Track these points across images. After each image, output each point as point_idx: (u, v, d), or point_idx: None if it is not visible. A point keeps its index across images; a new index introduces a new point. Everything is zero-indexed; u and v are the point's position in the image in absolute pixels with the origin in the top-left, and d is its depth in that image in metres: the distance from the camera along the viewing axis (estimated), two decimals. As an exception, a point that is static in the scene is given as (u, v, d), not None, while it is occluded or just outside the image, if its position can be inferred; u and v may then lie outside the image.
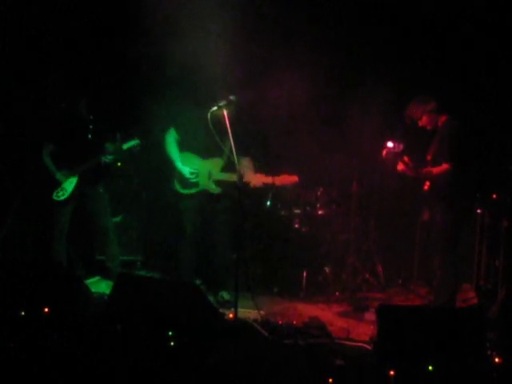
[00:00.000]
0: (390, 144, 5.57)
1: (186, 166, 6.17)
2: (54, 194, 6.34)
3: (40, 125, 6.67)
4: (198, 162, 6.20)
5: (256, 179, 6.36)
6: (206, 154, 6.16)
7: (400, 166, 5.68)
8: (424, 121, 5.68)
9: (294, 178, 6.37)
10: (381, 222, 7.42)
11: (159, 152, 7.28)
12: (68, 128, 6.45)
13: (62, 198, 6.37)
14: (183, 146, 6.24)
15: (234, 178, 5.97)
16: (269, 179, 6.39)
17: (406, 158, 5.61)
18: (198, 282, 6.34)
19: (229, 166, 6.09)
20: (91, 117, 6.49)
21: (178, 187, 6.23)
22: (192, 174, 6.14)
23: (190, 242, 6.30)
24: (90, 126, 6.47)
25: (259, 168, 6.46)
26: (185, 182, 6.17)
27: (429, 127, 5.70)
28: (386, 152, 5.64)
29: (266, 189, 6.67)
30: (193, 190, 6.19)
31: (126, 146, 6.48)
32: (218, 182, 6.17)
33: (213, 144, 5.75)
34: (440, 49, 6.71)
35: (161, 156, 7.19)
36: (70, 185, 6.38)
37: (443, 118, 5.66)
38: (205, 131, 5.67)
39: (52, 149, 6.41)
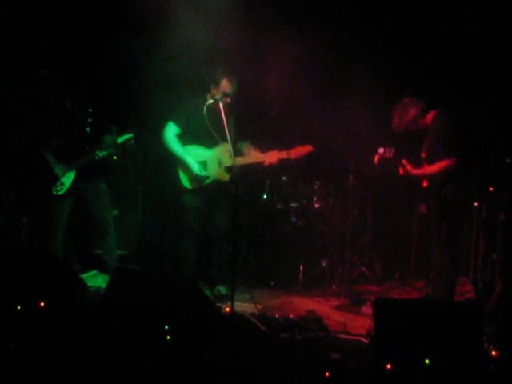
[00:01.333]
0: (380, 150, 5.55)
1: (193, 159, 6.03)
2: (54, 189, 6.37)
3: (40, 122, 6.66)
4: (204, 152, 6.05)
5: (270, 157, 6.01)
6: (210, 143, 5.92)
7: (401, 171, 5.65)
8: (413, 127, 5.63)
9: (309, 148, 6.00)
10: (377, 215, 7.41)
11: (156, 146, 7.31)
12: (64, 123, 6.46)
13: (61, 192, 6.40)
14: (185, 139, 6.09)
15: (247, 160, 6.00)
16: (283, 154, 5.98)
17: (404, 162, 5.58)
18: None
19: (238, 150, 6.01)
20: (90, 110, 6.49)
21: (186, 184, 6.10)
22: (201, 171, 5.98)
23: (192, 238, 6.20)
24: (89, 120, 6.48)
25: (262, 147, 6.21)
26: (194, 177, 6.02)
27: (419, 128, 5.66)
28: (378, 158, 5.60)
29: (282, 165, 6.26)
30: (203, 184, 6.05)
31: (120, 140, 6.43)
32: (229, 169, 5.94)
33: (216, 129, 5.66)
34: (432, 42, 6.67)
35: (157, 149, 7.19)
36: (67, 179, 6.41)
37: (431, 114, 5.61)
38: (204, 119, 5.58)
39: (54, 145, 6.45)
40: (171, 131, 6.09)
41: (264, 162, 6.05)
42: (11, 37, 6.84)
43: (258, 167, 6.21)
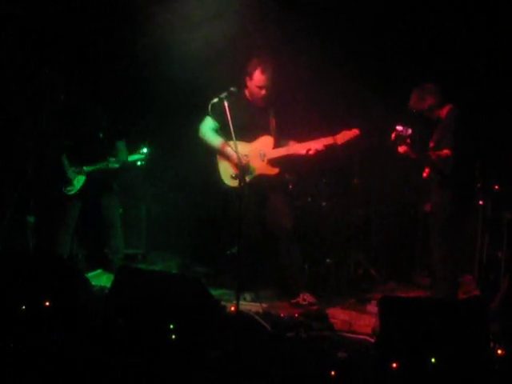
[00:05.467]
0: (399, 127, 5.47)
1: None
2: (64, 188, 6.39)
3: (49, 122, 6.69)
4: (245, 146, 5.73)
5: (315, 143, 5.66)
6: (250, 136, 5.76)
7: (402, 148, 5.61)
8: (426, 113, 5.66)
9: (355, 132, 5.67)
10: (383, 214, 7.39)
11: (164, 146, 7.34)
12: (80, 126, 6.49)
13: (71, 193, 6.46)
14: (223, 135, 5.70)
15: (292, 149, 5.76)
16: (329, 140, 5.63)
17: (408, 140, 5.55)
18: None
19: (280, 141, 5.83)
20: (106, 117, 6.54)
21: (226, 181, 5.83)
22: (245, 155, 5.61)
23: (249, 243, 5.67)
24: (104, 125, 6.51)
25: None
26: (238, 167, 5.41)
27: (432, 117, 5.67)
28: (395, 135, 5.54)
29: (329, 151, 5.78)
30: (247, 177, 5.52)
31: (131, 159, 6.61)
32: (273, 162, 5.82)
33: (255, 123, 5.60)
34: (446, 36, 6.66)
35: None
36: (77, 183, 6.47)
37: (446, 108, 5.63)
38: (242, 113, 5.47)
39: (67, 146, 6.47)
40: (208, 126, 5.86)
41: (310, 150, 5.70)
42: (21, 37, 6.87)
43: (303, 158, 5.83)
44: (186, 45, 6.76)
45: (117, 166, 6.49)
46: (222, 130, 5.58)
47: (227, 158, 5.84)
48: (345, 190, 7.06)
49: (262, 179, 5.85)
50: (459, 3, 6.56)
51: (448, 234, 5.60)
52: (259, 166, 5.84)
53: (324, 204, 6.94)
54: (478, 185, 6.21)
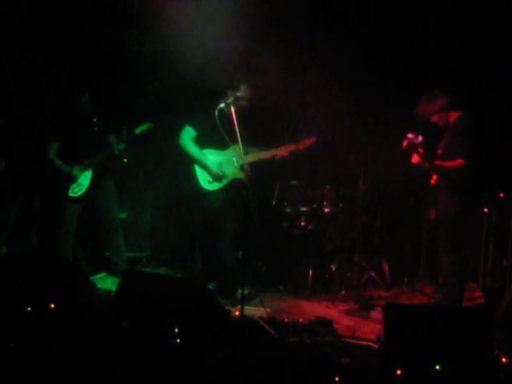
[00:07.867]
0: (410, 135, 5.53)
1: (210, 161, 6.09)
2: (71, 191, 6.40)
3: (44, 124, 6.69)
4: (219, 154, 6.10)
5: (280, 150, 6.17)
6: (224, 145, 5.97)
7: (415, 159, 5.62)
8: (435, 119, 5.66)
9: (313, 139, 6.19)
10: (387, 220, 7.39)
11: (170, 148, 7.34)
12: (73, 124, 6.48)
13: (80, 193, 6.44)
14: (200, 142, 6.09)
15: (260, 156, 6.15)
16: (292, 146, 6.16)
17: (420, 150, 5.56)
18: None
19: (248, 151, 6.07)
20: (93, 111, 6.52)
21: (204, 185, 6.11)
22: (219, 170, 6.05)
23: (229, 240, 6.21)
24: (94, 120, 6.50)
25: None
26: (213, 176, 6.06)
27: (440, 123, 5.68)
28: (407, 143, 5.58)
29: (292, 157, 6.32)
30: (222, 183, 6.09)
31: (138, 131, 6.51)
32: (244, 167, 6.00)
33: (228, 132, 5.70)
34: (456, 44, 6.67)
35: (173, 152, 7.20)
36: (85, 179, 6.45)
37: (455, 115, 5.61)
38: (217, 123, 5.66)
39: (58, 147, 6.45)
40: (188, 135, 6.09)
41: (276, 155, 6.17)
42: (21, 37, 6.87)
43: (271, 163, 6.30)
44: (185, 49, 6.76)
45: (123, 145, 6.46)
46: (201, 139, 6.04)
47: (204, 170, 6.11)
48: (349, 196, 7.06)
49: (234, 183, 6.10)
50: (457, 10, 6.58)
51: (455, 240, 5.59)
52: (232, 172, 6.09)
53: (328, 210, 6.95)
54: (484, 192, 6.22)
